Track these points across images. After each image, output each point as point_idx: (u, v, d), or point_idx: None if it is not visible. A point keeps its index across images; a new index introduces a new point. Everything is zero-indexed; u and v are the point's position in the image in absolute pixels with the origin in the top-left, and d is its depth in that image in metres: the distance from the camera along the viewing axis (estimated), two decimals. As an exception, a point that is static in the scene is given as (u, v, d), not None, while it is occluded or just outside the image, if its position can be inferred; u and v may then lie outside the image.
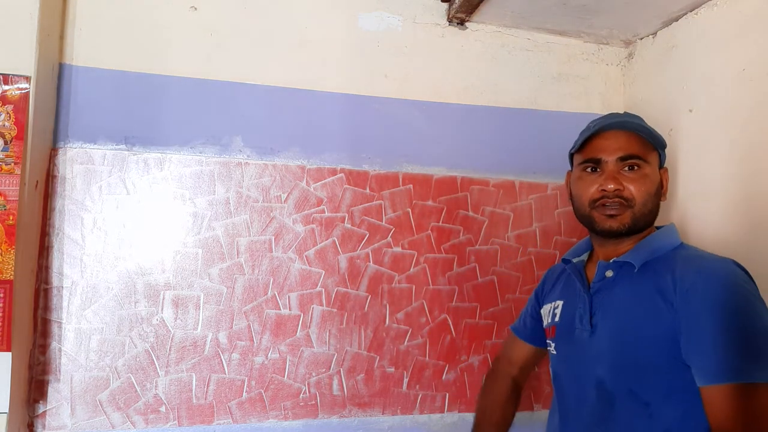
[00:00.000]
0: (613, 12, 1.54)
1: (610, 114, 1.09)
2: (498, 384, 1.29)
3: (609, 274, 1.02)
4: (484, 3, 1.51)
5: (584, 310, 1.03)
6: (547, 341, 1.16)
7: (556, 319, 1.12)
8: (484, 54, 1.67)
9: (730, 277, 0.90)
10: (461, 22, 1.64)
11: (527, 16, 1.60)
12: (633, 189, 0.98)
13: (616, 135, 1.01)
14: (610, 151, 1.01)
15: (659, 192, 1.03)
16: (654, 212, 1.02)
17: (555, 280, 1.21)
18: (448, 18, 1.63)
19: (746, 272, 0.92)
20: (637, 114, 1.11)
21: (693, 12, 1.49)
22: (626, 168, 0.99)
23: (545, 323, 1.18)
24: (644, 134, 1.01)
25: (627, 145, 1.00)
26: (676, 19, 1.55)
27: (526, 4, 1.53)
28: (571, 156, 1.11)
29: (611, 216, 1.00)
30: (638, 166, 0.99)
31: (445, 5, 1.62)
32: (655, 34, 1.66)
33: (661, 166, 1.06)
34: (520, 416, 1.28)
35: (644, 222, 1.01)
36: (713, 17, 1.43)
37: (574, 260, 1.13)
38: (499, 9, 1.56)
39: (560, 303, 1.12)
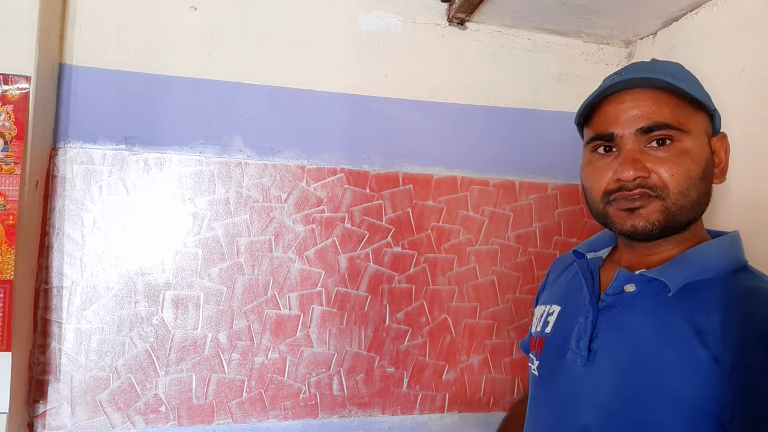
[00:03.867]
0: (613, 12, 1.54)
1: (630, 65, 0.77)
2: (513, 413, 1.04)
3: (630, 288, 0.73)
4: (484, 3, 1.51)
5: (584, 328, 0.76)
6: (530, 355, 0.88)
7: (547, 329, 0.84)
8: (484, 54, 1.67)
9: None
10: (461, 22, 1.64)
11: (527, 16, 1.60)
12: (664, 173, 0.69)
13: (636, 95, 0.71)
14: (626, 120, 0.71)
15: (709, 172, 0.72)
16: (701, 202, 0.72)
17: (559, 275, 0.93)
18: (448, 18, 1.63)
19: None
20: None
21: (693, 12, 1.49)
22: (653, 143, 0.70)
23: (533, 330, 0.90)
24: (680, 89, 0.69)
25: (652, 109, 0.69)
26: (676, 19, 1.55)
27: (526, 4, 1.53)
28: (581, 128, 0.81)
29: (632, 210, 0.71)
30: (671, 138, 0.69)
31: (445, 5, 1.62)
32: (655, 34, 1.65)
33: (715, 132, 0.75)
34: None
35: (685, 217, 0.71)
36: (713, 17, 1.43)
37: (589, 256, 0.86)
38: (499, 9, 1.56)
39: (556, 309, 0.85)
